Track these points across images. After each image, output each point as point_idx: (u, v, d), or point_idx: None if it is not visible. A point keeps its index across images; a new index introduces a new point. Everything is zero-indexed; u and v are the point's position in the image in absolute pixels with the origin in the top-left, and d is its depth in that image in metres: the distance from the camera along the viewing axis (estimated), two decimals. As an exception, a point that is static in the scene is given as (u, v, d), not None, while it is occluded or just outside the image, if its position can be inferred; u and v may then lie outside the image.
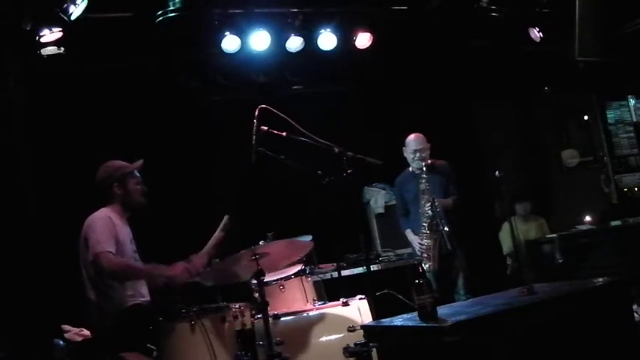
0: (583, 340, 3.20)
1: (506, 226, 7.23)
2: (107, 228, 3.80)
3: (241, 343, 3.97)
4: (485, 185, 7.10)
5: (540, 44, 6.54)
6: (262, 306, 3.78)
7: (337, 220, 5.27)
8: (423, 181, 5.39)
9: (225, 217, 4.23)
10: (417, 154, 5.52)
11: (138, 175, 4.09)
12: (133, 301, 3.85)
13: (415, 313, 3.20)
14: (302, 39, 5.84)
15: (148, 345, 3.62)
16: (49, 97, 5.43)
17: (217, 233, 4.20)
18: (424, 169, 5.40)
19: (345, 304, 4.21)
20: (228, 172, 6.17)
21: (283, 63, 6.23)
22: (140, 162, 4.09)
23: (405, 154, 5.64)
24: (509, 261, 7.21)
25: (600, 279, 3.60)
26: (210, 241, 4.17)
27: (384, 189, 6.79)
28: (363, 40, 6.06)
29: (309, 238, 4.54)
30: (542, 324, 3.10)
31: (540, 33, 6.46)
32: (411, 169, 5.68)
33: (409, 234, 5.68)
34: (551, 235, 6.87)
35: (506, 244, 7.23)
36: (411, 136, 5.61)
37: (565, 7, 6.37)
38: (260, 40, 5.66)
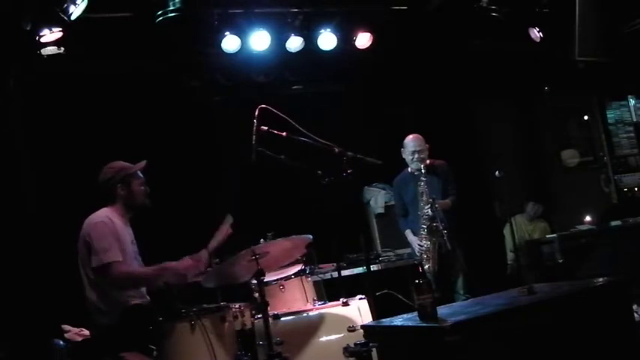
0: (583, 340, 3.20)
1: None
2: (109, 232, 3.80)
3: (241, 343, 3.97)
4: (485, 185, 7.10)
5: (540, 44, 6.54)
6: (262, 306, 3.78)
7: (337, 220, 5.27)
8: (422, 182, 5.38)
9: (228, 216, 4.19)
10: (416, 155, 5.51)
11: (141, 175, 4.09)
12: (132, 302, 3.85)
13: (415, 313, 3.20)
14: (302, 39, 5.83)
15: (148, 345, 3.62)
16: (49, 97, 5.43)
17: (221, 231, 4.15)
18: (423, 170, 5.39)
19: (345, 304, 4.21)
20: (228, 172, 6.17)
21: (283, 63, 6.23)
22: (143, 162, 4.09)
23: (403, 155, 5.64)
24: (509, 258, 7.21)
25: (600, 279, 3.60)
26: (213, 239, 4.12)
27: (384, 189, 6.79)
28: (363, 40, 6.05)
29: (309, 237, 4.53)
30: (542, 324, 3.10)
31: (540, 33, 6.46)
32: (409, 169, 5.67)
33: (409, 234, 5.69)
34: (551, 235, 6.87)
35: (509, 240, 7.23)
36: (410, 137, 5.60)
37: (565, 7, 6.37)
38: (260, 40, 5.66)
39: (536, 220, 7.44)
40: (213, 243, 4.06)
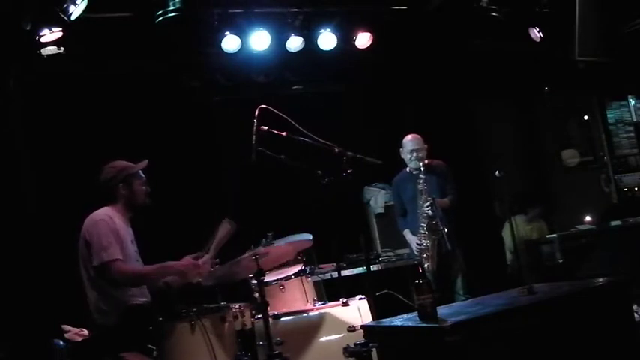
0: (583, 340, 3.21)
1: (508, 225, 7.24)
2: (110, 231, 3.79)
3: (241, 343, 3.97)
4: (485, 185, 7.10)
5: (540, 44, 6.54)
6: (262, 306, 3.78)
7: (337, 220, 5.27)
8: (421, 181, 5.38)
9: (224, 222, 4.17)
10: (414, 154, 5.52)
11: (143, 175, 4.08)
12: (133, 301, 3.85)
13: (415, 313, 3.20)
14: (302, 39, 5.83)
15: (148, 345, 3.62)
16: (49, 97, 5.43)
17: (218, 235, 4.13)
18: (422, 169, 5.40)
19: (345, 304, 4.22)
20: (228, 172, 6.17)
21: (283, 63, 6.22)
22: (145, 162, 4.08)
23: (402, 155, 5.64)
24: (508, 259, 7.21)
25: (600, 279, 3.61)
26: (211, 245, 4.11)
27: (384, 189, 6.79)
28: (363, 40, 6.05)
29: (309, 236, 4.53)
30: (542, 324, 3.10)
31: (540, 33, 6.46)
32: (408, 169, 5.68)
33: (407, 234, 5.69)
34: (551, 235, 6.87)
35: (507, 241, 7.24)
36: (408, 137, 5.61)
37: (565, 7, 6.37)
38: (260, 40, 5.66)
39: (534, 220, 7.46)
40: (213, 247, 4.05)
